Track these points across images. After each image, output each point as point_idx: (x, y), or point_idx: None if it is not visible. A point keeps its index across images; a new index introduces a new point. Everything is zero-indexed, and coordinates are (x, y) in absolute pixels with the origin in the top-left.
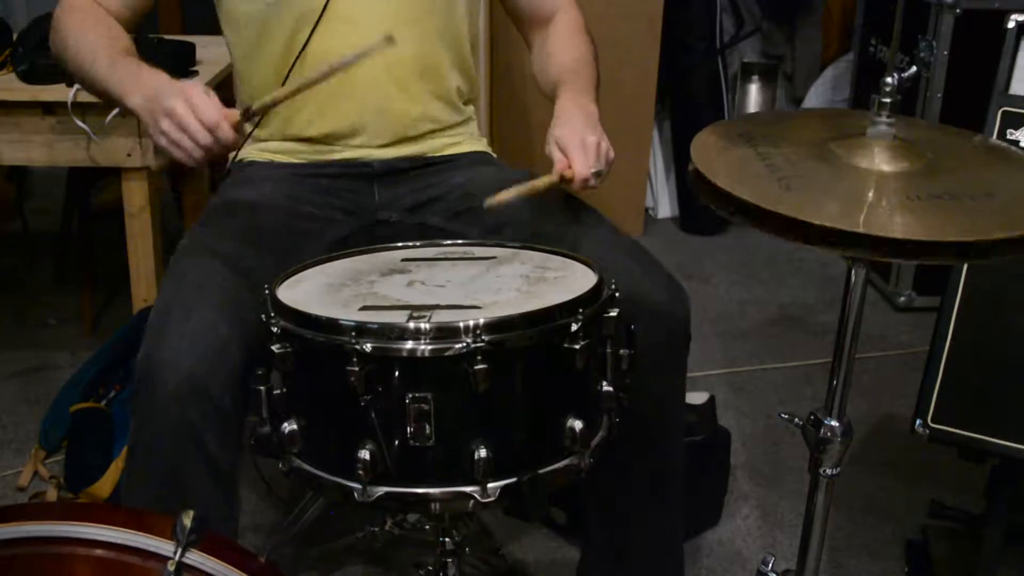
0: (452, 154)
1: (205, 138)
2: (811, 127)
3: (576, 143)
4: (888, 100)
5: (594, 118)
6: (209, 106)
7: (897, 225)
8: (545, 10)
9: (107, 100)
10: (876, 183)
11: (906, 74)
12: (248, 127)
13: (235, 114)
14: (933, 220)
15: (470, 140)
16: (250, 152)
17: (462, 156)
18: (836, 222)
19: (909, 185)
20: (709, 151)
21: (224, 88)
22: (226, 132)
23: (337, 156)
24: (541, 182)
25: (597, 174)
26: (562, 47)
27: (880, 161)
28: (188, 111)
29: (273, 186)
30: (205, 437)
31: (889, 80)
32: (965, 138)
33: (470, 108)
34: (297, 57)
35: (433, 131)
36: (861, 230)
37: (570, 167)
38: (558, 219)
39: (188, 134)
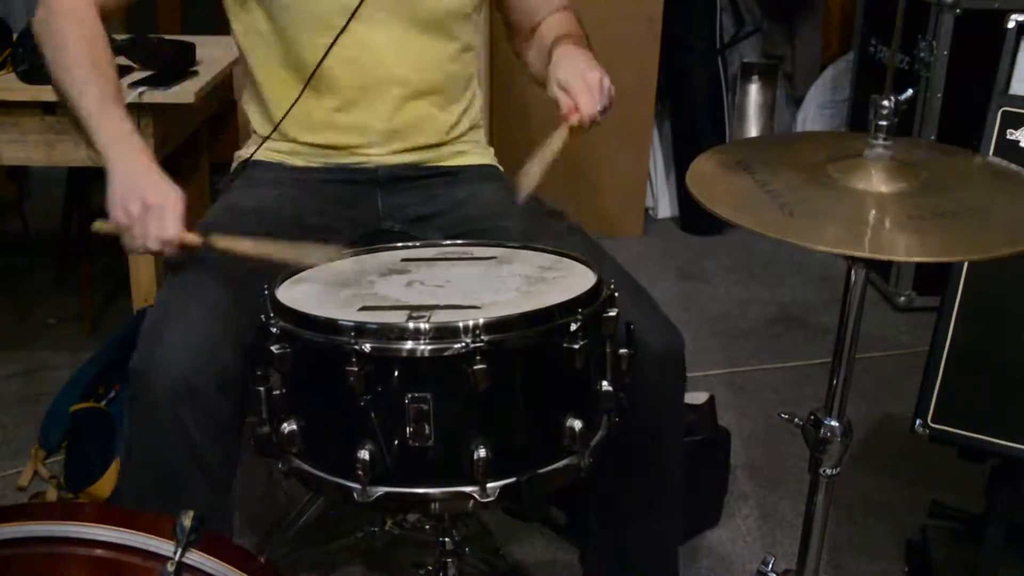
0: (458, 165)
1: (153, 245)
2: (807, 151)
3: (579, 83)
4: (885, 123)
5: (592, 58)
6: (172, 225)
7: (902, 247)
8: (538, 19)
9: (79, 130)
10: (878, 204)
11: (903, 96)
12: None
13: (193, 240)
14: (938, 239)
15: (477, 150)
16: (257, 152)
17: (468, 168)
18: (843, 247)
19: (910, 205)
20: (707, 180)
21: (224, 88)
22: (171, 251)
23: (342, 160)
24: (555, 144)
25: (603, 111)
26: (554, 28)
27: (879, 182)
28: (156, 217)
29: (277, 191)
30: (198, 439)
31: (885, 103)
32: (962, 157)
33: (476, 116)
34: (318, 65)
35: (440, 141)
36: (867, 255)
37: (576, 109)
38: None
39: (142, 231)
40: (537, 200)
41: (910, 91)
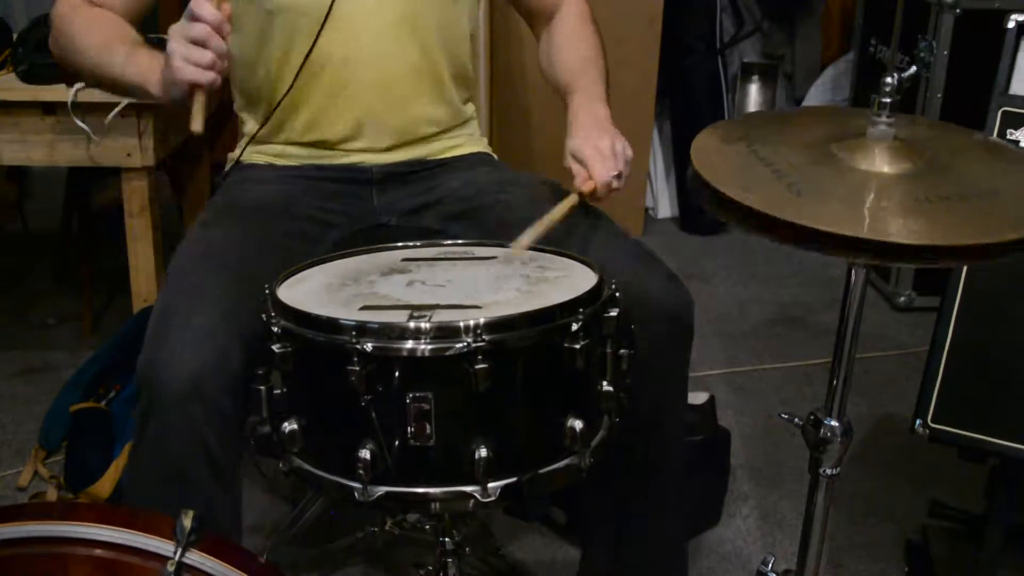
0: (451, 156)
1: (204, 33)
2: (810, 128)
3: (591, 151)
4: (888, 100)
5: (604, 120)
6: (206, 6)
7: (912, 231)
8: (547, 4)
9: (124, 92)
10: (885, 186)
11: (906, 74)
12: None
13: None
14: (946, 223)
15: (470, 142)
16: (249, 155)
17: (461, 158)
18: (854, 230)
19: (917, 187)
20: (710, 156)
21: (224, 88)
22: (225, 28)
23: (336, 161)
24: (563, 208)
25: (618, 176)
26: (567, 44)
27: (882, 163)
28: (189, 24)
29: (273, 188)
30: (207, 438)
31: (889, 80)
32: (964, 135)
33: (470, 107)
34: (303, 62)
35: (433, 134)
36: (876, 237)
37: (590, 178)
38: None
39: (194, 39)
40: (530, 175)
41: (913, 68)
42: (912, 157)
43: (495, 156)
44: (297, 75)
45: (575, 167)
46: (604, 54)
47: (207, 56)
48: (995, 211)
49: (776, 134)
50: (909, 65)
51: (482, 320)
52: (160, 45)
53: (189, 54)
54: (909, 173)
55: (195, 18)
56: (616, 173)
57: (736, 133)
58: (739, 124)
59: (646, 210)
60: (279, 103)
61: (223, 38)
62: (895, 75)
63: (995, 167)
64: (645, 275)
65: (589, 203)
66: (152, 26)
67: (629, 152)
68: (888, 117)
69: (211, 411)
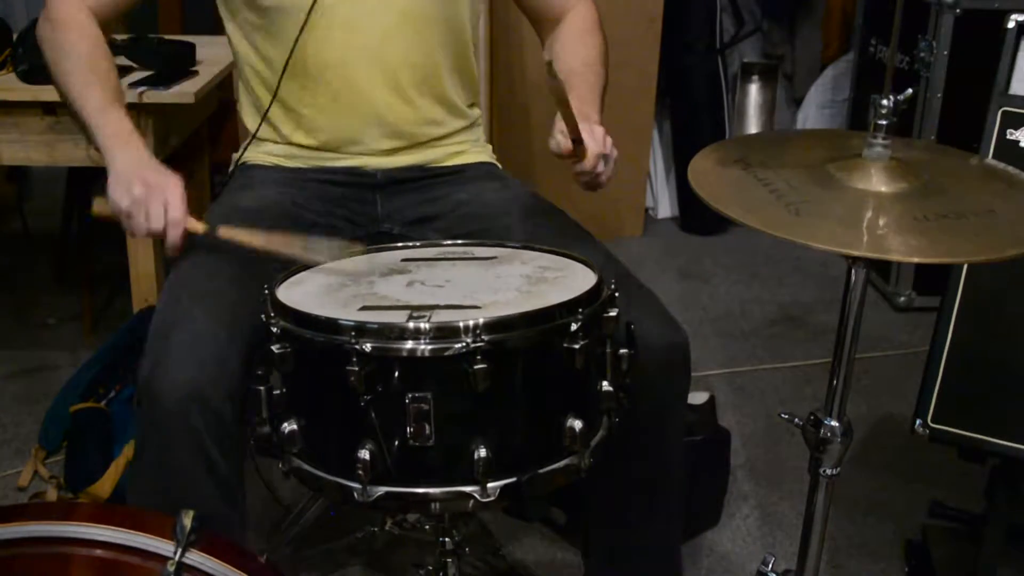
0: (456, 164)
1: (157, 224)
2: (807, 150)
3: (585, 127)
4: (884, 122)
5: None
6: (176, 205)
7: (913, 248)
8: (556, 9)
9: (83, 131)
10: (882, 205)
11: (902, 96)
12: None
13: (197, 226)
14: (945, 241)
15: (475, 149)
16: (254, 155)
17: (467, 168)
18: (854, 249)
19: (914, 206)
20: (708, 177)
21: (224, 88)
22: (175, 236)
23: (339, 163)
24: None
25: (604, 159)
26: (569, 48)
27: (879, 182)
28: (159, 197)
29: (276, 192)
30: (208, 446)
31: (885, 103)
32: (960, 158)
33: (475, 112)
34: (288, 60)
35: (436, 138)
36: (875, 254)
37: (576, 156)
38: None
39: (147, 211)
40: (538, 199)
41: (909, 90)
42: (908, 177)
43: (499, 166)
44: (281, 75)
45: (565, 142)
46: (606, 62)
47: (141, 230)
48: (993, 229)
49: (773, 156)
50: (909, 65)
51: (481, 320)
52: (159, 43)
53: (135, 213)
54: (906, 192)
55: (167, 198)
56: (604, 153)
57: (733, 155)
58: (736, 146)
59: (646, 210)
60: (271, 104)
61: (166, 235)
62: (891, 97)
63: (992, 188)
64: (638, 316)
65: (577, 178)
66: (152, 26)
67: (615, 153)
68: (884, 139)
69: (211, 419)
